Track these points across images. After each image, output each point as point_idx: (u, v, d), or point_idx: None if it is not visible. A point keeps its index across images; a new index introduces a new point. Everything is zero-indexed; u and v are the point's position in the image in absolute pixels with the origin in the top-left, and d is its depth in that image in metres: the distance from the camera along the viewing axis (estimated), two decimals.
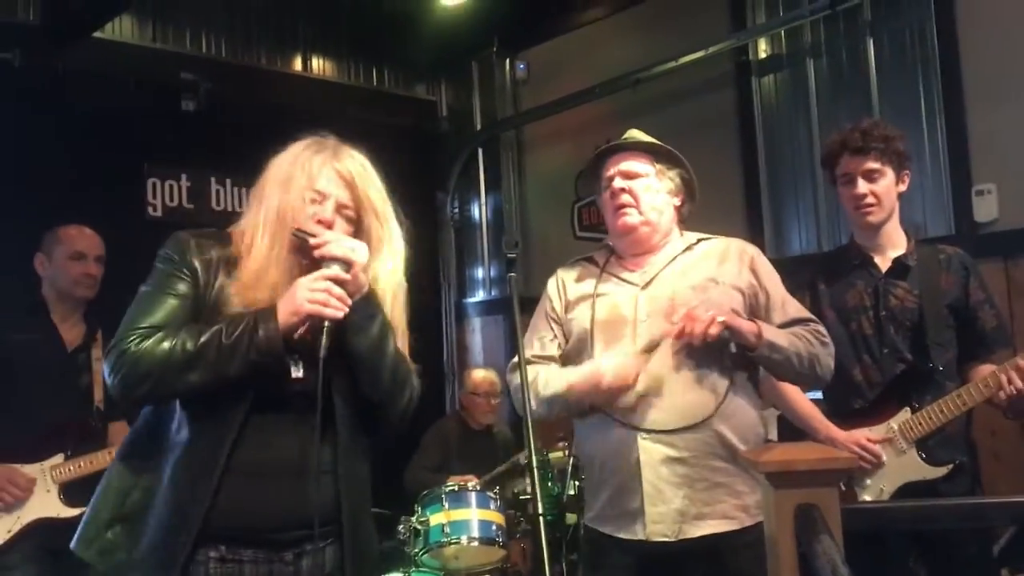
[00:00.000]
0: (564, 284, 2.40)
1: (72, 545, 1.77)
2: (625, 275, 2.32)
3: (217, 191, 4.88)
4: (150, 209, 4.69)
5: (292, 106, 5.00)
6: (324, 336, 1.68)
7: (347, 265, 1.72)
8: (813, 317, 2.29)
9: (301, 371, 1.74)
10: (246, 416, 1.70)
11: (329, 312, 1.68)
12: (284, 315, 1.68)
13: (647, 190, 2.30)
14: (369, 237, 1.83)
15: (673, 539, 2.11)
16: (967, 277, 2.63)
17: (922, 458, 2.53)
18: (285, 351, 1.70)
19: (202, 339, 1.66)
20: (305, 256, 1.76)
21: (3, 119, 4.09)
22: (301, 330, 1.70)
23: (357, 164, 1.85)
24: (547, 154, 5.88)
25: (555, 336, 2.36)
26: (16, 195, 4.02)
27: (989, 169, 3.81)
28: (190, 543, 1.65)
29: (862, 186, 2.61)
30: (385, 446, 1.99)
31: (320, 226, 1.77)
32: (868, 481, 2.54)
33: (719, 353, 2.16)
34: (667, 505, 2.11)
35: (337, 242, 1.74)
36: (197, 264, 1.76)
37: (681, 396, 2.13)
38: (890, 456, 2.54)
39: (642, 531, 2.12)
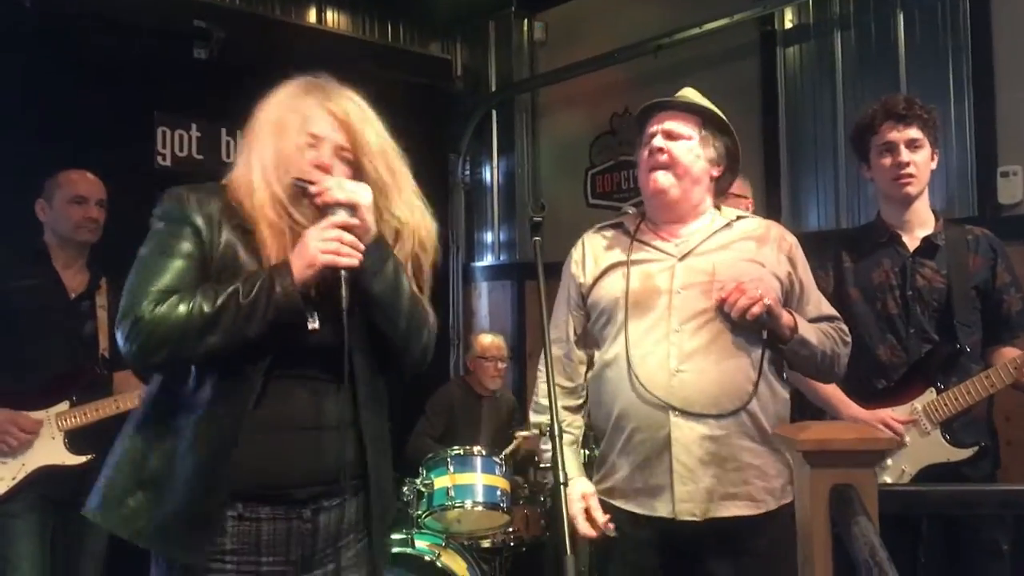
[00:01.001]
0: (591, 252, 2.32)
1: (91, 510, 1.72)
2: (659, 244, 2.24)
3: (227, 143, 4.80)
4: (159, 158, 4.61)
5: (305, 59, 4.89)
6: (344, 287, 1.64)
7: (353, 209, 1.67)
8: (838, 315, 2.25)
9: (317, 323, 1.68)
10: (266, 372, 1.66)
11: (344, 261, 1.64)
12: (299, 269, 1.63)
13: (687, 154, 2.20)
14: (370, 178, 1.76)
15: (700, 519, 2.06)
16: (995, 259, 2.59)
17: (946, 440, 2.50)
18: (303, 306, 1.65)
19: (219, 301, 1.60)
20: (308, 204, 1.70)
21: (12, 62, 3.99)
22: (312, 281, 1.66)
23: (353, 104, 1.79)
24: (562, 118, 5.80)
25: (577, 320, 2.30)
26: (23, 141, 3.93)
27: (1015, 151, 3.74)
28: (223, 503, 1.63)
29: (905, 154, 2.56)
30: (396, 397, 1.94)
31: (319, 171, 1.71)
32: (889, 461, 2.51)
33: (754, 336, 2.10)
34: (696, 484, 2.07)
35: (339, 187, 1.68)
36: (199, 220, 1.69)
37: (716, 379, 2.07)
38: (913, 437, 2.51)
39: (667, 509, 2.08)
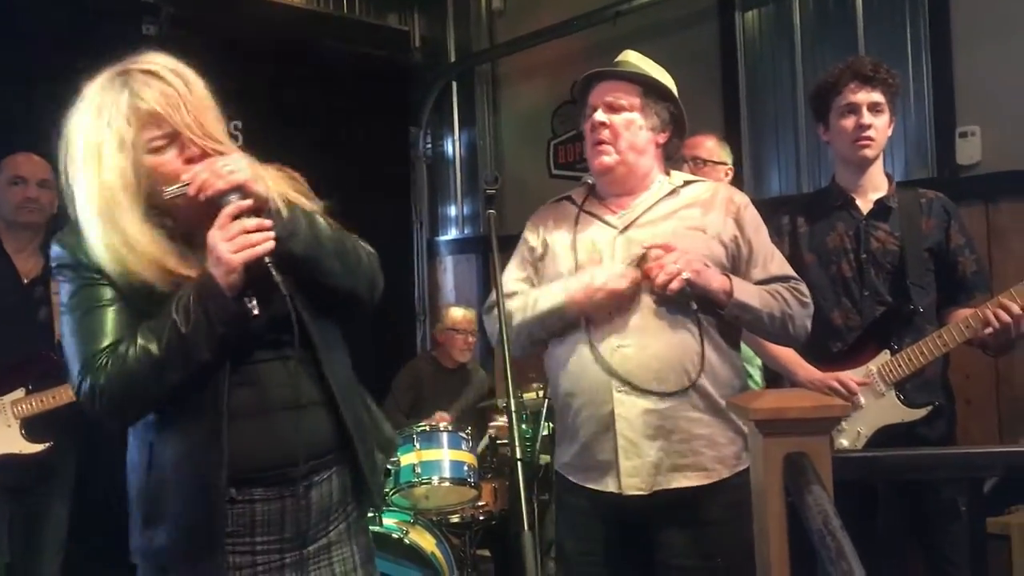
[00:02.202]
0: (543, 227, 2.29)
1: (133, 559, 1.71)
2: (606, 216, 2.22)
3: None
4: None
5: (258, 33, 4.81)
6: (274, 272, 1.56)
7: (240, 190, 1.56)
8: (795, 275, 2.20)
9: (256, 308, 1.60)
10: (232, 364, 1.62)
11: (260, 249, 1.55)
12: (222, 278, 1.54)
13: (629, 127, 2.17)
14: (217, 149, 1.62)
15: (647, 492, 2.05)
16: (948, 221, 2.60)
17: (900, 400, 2.51)
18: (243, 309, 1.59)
19: (163, 339, 1.54)
20: (192, 208, 1.58)
21: None
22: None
23: (156, 93, 1.57)
24: (523, 89, 5.75)
25: (529, 277, 2.28)
26: None
27: (973, 112, 3.76)
28: (223, 500, 1.60)
29: (867, 116, 2.55)
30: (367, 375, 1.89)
31: (181, 170, 1.58)
32: (845, 424, 2.52)
33: (691, 309, 2.08)
34: (641, 458, 2.05)
35: (212, 173, 1.55)
36: (98, 261, 1.59)
37: (658, 354, 2.05)
38: (868, 399, 2.52)
39: (615, 484, 2.07)
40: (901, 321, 2.54)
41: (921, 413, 2.50)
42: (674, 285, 2.00)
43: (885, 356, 2.52)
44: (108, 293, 1.61)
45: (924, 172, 3.86)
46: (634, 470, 2.05)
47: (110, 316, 1.60)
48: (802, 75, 4.27)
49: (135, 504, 1.70)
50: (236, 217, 1.56)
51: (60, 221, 2.98)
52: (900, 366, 2.50)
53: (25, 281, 3.06)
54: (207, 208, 1.57)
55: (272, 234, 1.57)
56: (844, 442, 2.53)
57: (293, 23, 5.32)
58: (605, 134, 2.17)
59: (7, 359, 2.98)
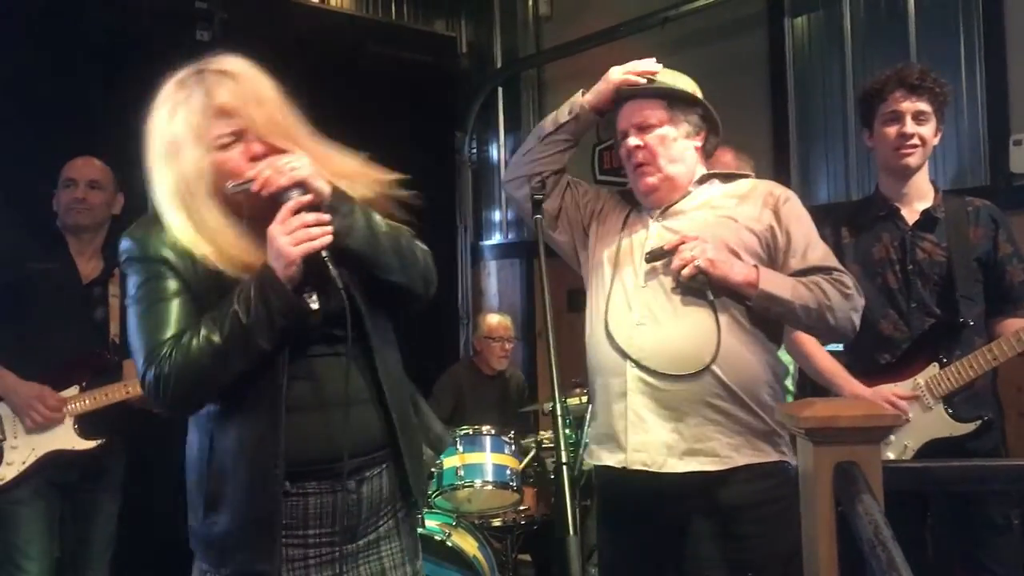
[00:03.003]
0: (609, 204, 2.37)
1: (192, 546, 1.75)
2: (651, 212, 2.27)
3: None
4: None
5: (309, 38, 4.89)
6: (330, 266, 1.61)
7: (301, 186, 1.62)
8: (839, 266, 2.16)
9: (317, 302, 1.66)
10: (290, 357, 1.66)
11: (318, 243, 1.60)
12: (281, 271, 1.60)
13: (663, 142, 2.19)
14: (281, 147, 1.67)
15: (656, 471, 2.06)
16: (996, 230, 2.55)
17: (949, 414, 2.47)
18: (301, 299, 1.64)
19: (225, 329, 1.59)
20: (255, 203, 1.64)
21: (12, 47, 3.96)
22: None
23: (228, 91, 1.65)
24: (569, 94, 5.69)
25: (580, 197, 2.38)
26: (24, 126, 3.92)
27: None
28: (280, 491, 1.63)
29: (911, 125, 2.52)
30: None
31: (246, 167, 1.64)
32: (892, 437, 2.49)
33: (704, 294, 2.09)
34: (648, 435, 2.07)
35: (275, 170, 1.61)
36: (166, 253, 1.65)
37: (674, 338, 2.07)
38: (916, 412, 2.49)
39: (624, 458, 2.10)
40: (950, 334, 2.50)
41: (970, 428, 2.46)
42: (686, 272, 2.04)
43: (934, 369, 2.49)
44: (174, 285, 1.66)
45: (977, 180, 3.79)
46: (641, 445, 2.07)
47: (175, 308, 1.65)
48: (852, 82, 4.21)
49: (194, 491, 1.73)
50: (296, 212, 1.61)
51: (123, 223, 3.08)
52: (949, 379, 2.46)
53: (85, 282, 3.12)
54: (270, 204, 1.62)
55: (330, 228, 1.62)
56: (891, 455, 2.49)
57: (342, 29, 5.39)
58: (642, 156, 2.20)
59: (64, 357, 3.04)
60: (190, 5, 4.62)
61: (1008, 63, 3.74)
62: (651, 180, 2.20)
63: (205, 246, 1.63)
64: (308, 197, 1.62)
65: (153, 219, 1.69)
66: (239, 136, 1.65)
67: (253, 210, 1.66)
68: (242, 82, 1.68)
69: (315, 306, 1.65)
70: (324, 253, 1.61)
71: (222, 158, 1.65)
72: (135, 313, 1.68)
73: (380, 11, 5.73)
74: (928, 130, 2.53)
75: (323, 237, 1.60)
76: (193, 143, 1.64)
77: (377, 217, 1.75)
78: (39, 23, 4.10)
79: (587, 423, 2.35)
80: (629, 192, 2.35)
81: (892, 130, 2.54)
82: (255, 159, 1.65)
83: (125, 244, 1.72)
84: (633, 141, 2.21)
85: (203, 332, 1.60)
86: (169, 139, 1.66)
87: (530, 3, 5.88)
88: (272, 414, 1.64)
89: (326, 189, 1.66)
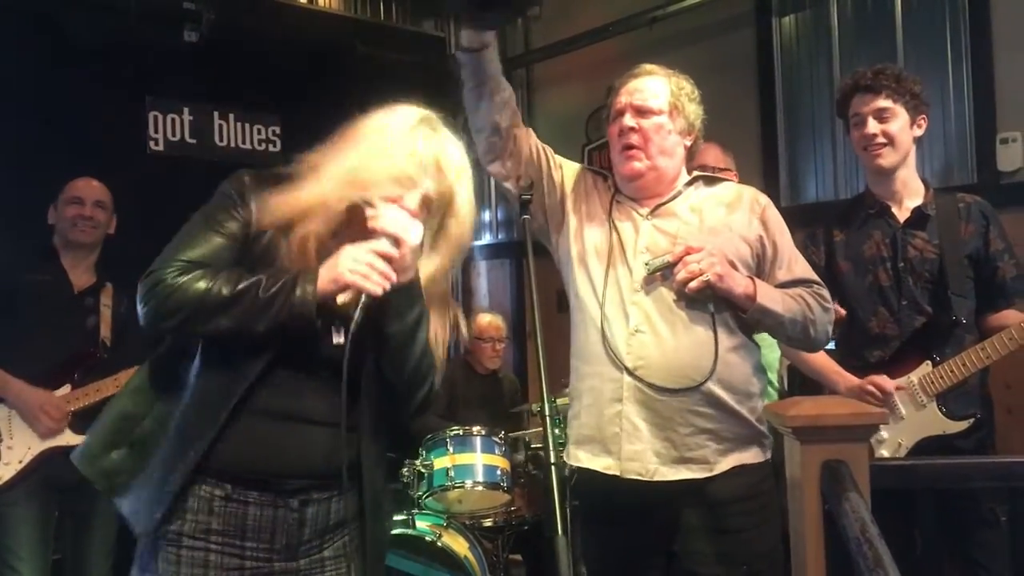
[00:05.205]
0: (589, 184, 2.29)
1: (73, 457, 1.76)
2: (636, 207, 2.23)
3: (220, 126, 4.78)
4: (152, 143, 4.59)
5: (297, 39, 4.88)
6: (359, 310, 1.63)
7: (396, 242, 1.65)
8: (818, 279, 2.18)
9: (342, 338, 1.68)
10: (269, 367, 1.67)
11: (369, 286, 1.62)
12: (324, 281, 1.63)
13: (658, 131, 2.17)
14: (436, 228, 1.76)
15: (648, 479, 2.05)
16: (987, 226, 2.57)
17: (943, 412, 2.49)
18: (324, 316, 1.65)
19: (239, 287, 1.61)
20: (357, 224, 1.68)
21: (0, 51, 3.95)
22: (344, 298, 1.64)
23: (459, 159, 1.77)
24: (558, 94, 5.75)
25: (549, 170, 2.27)
26: (13, 130, 3.92)
27: (1014, 118, 3.70)
28: (181, 479, 1.63)
29: (872, 126, 2.54)
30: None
31: (386, 201, 1.68)
32: (886, 435, 2.50)
33: (705, 306, 2.08)
34: (642, 444, 2.06)
35: (394, 218, 1.66)
36: (253, 207, 1.68)
37: (673, 350, 2.05)
38: (910, 410, 2.50)
39: (616, 466, 2.08)
40: (942, 332, 2.51)
41: (963, 425, 2.48)
42: (693, 285, 2.01)
43: (927, 367, 2.50)
44: (234, 228, 1.69)
45: (965, 178, 3.80)
46: (635, 454, 2.06)
47: (218, 241, 1.67)
48: (839, 80, 4.20)
49: (111, 425, 1.76)
50: (376, 253, 1.63)
51: (114, 245, 3.09)
52: (942, 378, 2.48)
53: (76, 292, 3.16)
54: (364, 235, 1.66)
55: (387, 285, 1.64)
56: (885, 453, 2.50)
57: (331, 29, 5.37)
58: (635, 139, 2.17)
59: (55, 360, 3.07)
60: (178, 5, 4.60)
61: (994, 61, 3.76)
62: (638, 166, 2.17)
63: (302, 222, 1.65)
64: (394, 252, 1.65)
65: (273, 178, 1.71)
66: (414, 185, 1.69)
67: (351, 234, 1.69)
68: (465, 163, 1.78)
69: (339, 341, 1.69)
70: (364, 298, 1.63)
71: (393, 197, 1.68)
72: (187, 225, 1.70)
73: (369, 11, 5.71)
74: (895, 126, 2.54)
75: (376, 286, 1.62)
76: (400, 160, 1.68)
77: (424, 329, 1.77)
78: (27, 27, 4.09)
79: (568, 419, 2.30)
80: (601, 175, 2.32)
81: (856, 133, 2.59)
82: (392, 200, 1.68)
83: (235, 175, 1.74)
84: (629, 122, 2.17)
85: (220, 278, 1.62)
86: (386, 145, 1.69)
87: None
88: (219, 409, 1.64)
89: (412, 270, 1.70)
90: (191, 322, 1.63)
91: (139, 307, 1.65)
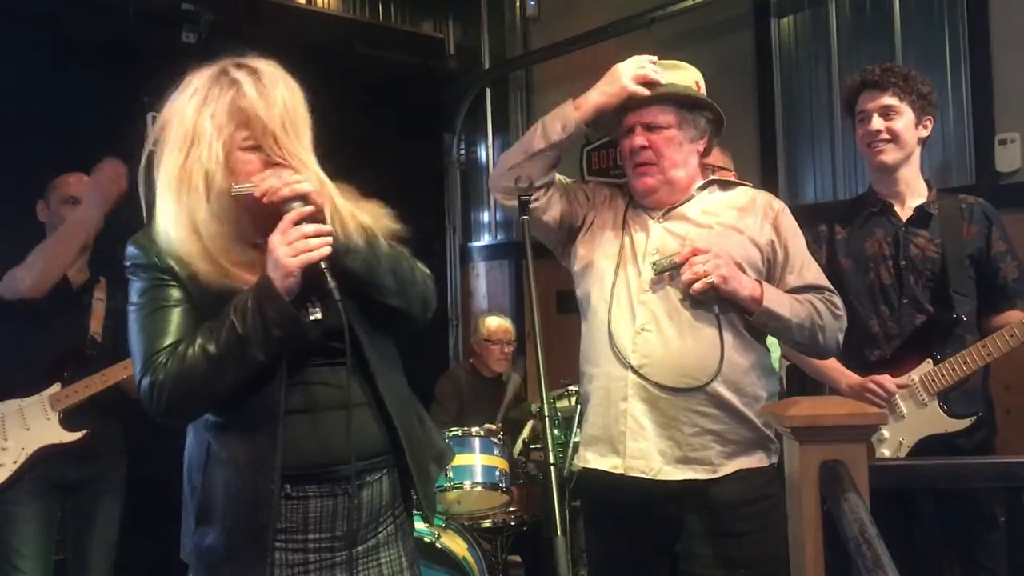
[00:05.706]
0: (606, 196, 2.31)
1: (185, 556, 1.75)
2: (650, 212, 2.24)
3: None
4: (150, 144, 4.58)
5: (296, 40, 4.86)
6: (328, 276, 1.61)
7: (303, 199, 1.62)
8: (830, 287, 2.19)
9: (319, 312, 1.67)
10: (288, 371, 1.67)
11: (317, 254, 1.60)
12: (280, 282, 1.60)
13: (669, 144, 2.16)
14: (292, 165, 1.67)
15: (652, 478, 2.06)
16: (989, 227, 2.56)
17: (944, 411, 2.49)
18: (297, 303, 1.63)
19: (221, 339, 1.59)
20: (255, 208, 1.64)
21: None
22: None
23: (256, 93, 1.64)
24: (557, 95, 5.64)
25: (574, 197, 2.30)
26: (9, 130, 3.91)
27: (1013, 119, 3.70)
28: (273, 506, 1.63)
29: (876, 122, 2.54)
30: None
31: (253, 175, 1.64)
32: (887, 434, 2.50)
33: (710, 307, 2.09)
34: (647, 442, 2.07)
35: (279, 179, 1.61)
36: (170, 262, 1.65)
37: (678, 351, 2.06)
38: (911, 409, 2.50)
39: (620, 464, 2.09)
40: (943, 330, 2.51)
41: (964, 424, 2.48)
42: (697, 286, 2.02)
43: (928, 366, 2.50)
44: (176, 294, 1.66)
45: (963, 179, 3.81)
46: (640, 453, 2.07)
47: (175, 316, 1.65)
48: (838, 82, 4.22)
49: (188, 503, 1.73)
50: (296, 223, 1.61)
51: (106, 238, 3.08)
52: (943, 376, 2.48)
53: (73, 288, 3.15)
54: (272, 216, 1.63)
55: (330, 240, 1.62)
56: (886, 452, 2.51)
57: (330, 30, 5.38)
58: (647, 155, 2.17)
59: (46, 358, 3.06)
60: (177, 7, 4.60)
61: (993, 62, 3.75)
62: (650, 181, 2.17)
63: (191, 244, 1.61)
64: (309, 208, 1.62)
65: (157, 227, 1.67)
66: (260, 146, 1.64)
67: (256, 221, 1.66)
68: (272, 90, 1.66)
69: (317, 317, 1.66)
70: (323, 264, 1.61)
71: (244, 159, 1.64)
72: (136, 319, 1.67)
73: (367, 12, 5.72)
74: (901, 123, 2.54)
75: (322, 248, 1.61)
76: (212, 138, 1.62)
77: (379, 238, 1.75)
78: (26, 27, 4.08)
79: (576, 424, 2.32)
80: (620, 184, 2.33)
81: (861, 130, 2.58)
82: (248, 172, 1.64)
83: (131, 250, 1.70)
84: (639, 140, 2.17)
85: (199, 341, 1.60)
86: (189, 128, 1.63)
87: (518, 4, 5.88)
88: (270, 427, 1.64)
89: (327, 206, 1.66)
90: (205, 396, 1.62)
91: (152, 413, 1.64)
